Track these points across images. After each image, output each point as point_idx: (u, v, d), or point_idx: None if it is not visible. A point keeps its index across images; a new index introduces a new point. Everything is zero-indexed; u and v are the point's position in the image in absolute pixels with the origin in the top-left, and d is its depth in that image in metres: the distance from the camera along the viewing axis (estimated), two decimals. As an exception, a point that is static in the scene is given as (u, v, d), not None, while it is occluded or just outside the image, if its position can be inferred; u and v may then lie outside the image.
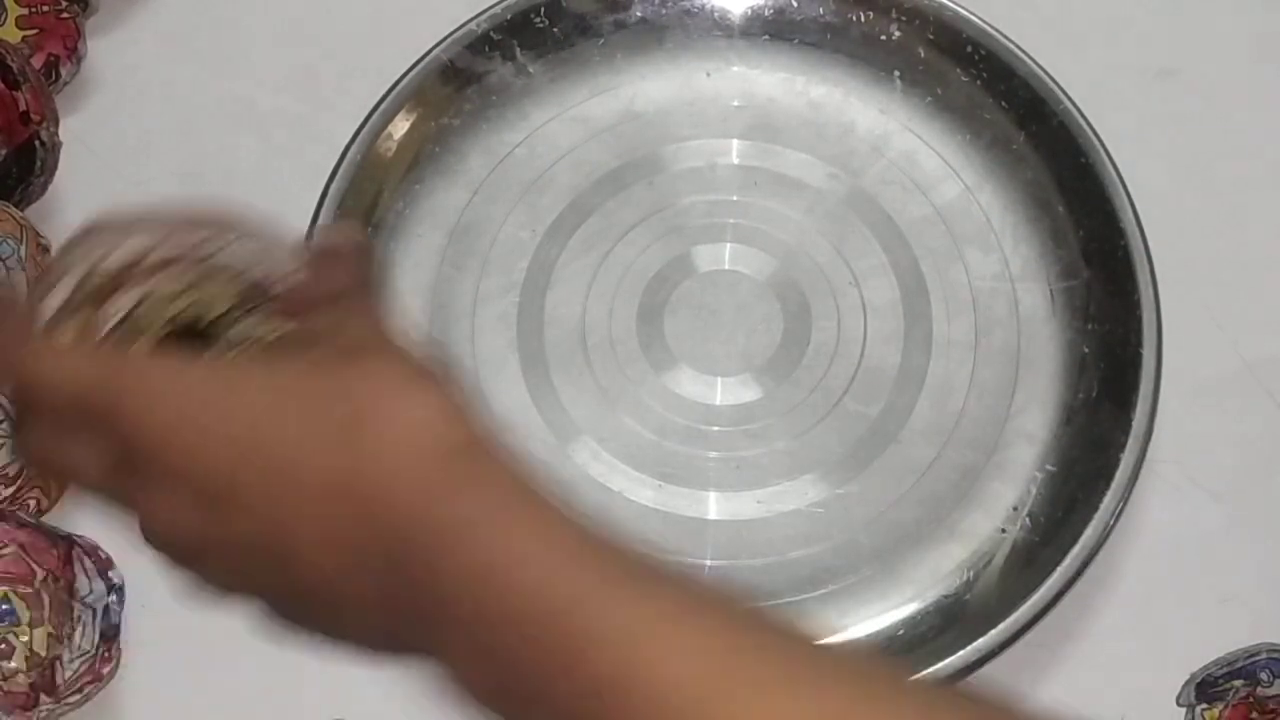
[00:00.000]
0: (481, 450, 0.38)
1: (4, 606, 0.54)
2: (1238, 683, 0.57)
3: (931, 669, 0.54)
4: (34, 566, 0.55)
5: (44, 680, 0.54)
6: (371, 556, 0.36)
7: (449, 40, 0.65)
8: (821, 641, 0.36)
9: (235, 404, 0.38)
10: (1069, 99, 0.63)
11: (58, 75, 0.66)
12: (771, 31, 0.66)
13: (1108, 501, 0.56)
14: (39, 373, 0.40)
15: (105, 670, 0.55)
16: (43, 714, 0.54)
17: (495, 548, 0.35)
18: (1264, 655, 0.57)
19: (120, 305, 0.43)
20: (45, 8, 0.66)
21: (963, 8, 0.65)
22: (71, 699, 0.55)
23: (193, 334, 0.42)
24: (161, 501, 0.39)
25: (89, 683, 0.55)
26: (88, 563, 0.56)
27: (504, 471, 0.37)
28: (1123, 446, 0.57)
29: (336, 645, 0.41)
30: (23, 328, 0.43)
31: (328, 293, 0.43)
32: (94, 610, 0.55)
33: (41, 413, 0.41)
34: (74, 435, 0.40)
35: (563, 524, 0.36)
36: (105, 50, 0.68)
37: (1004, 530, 0.59)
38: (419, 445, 0.37)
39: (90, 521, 0.59)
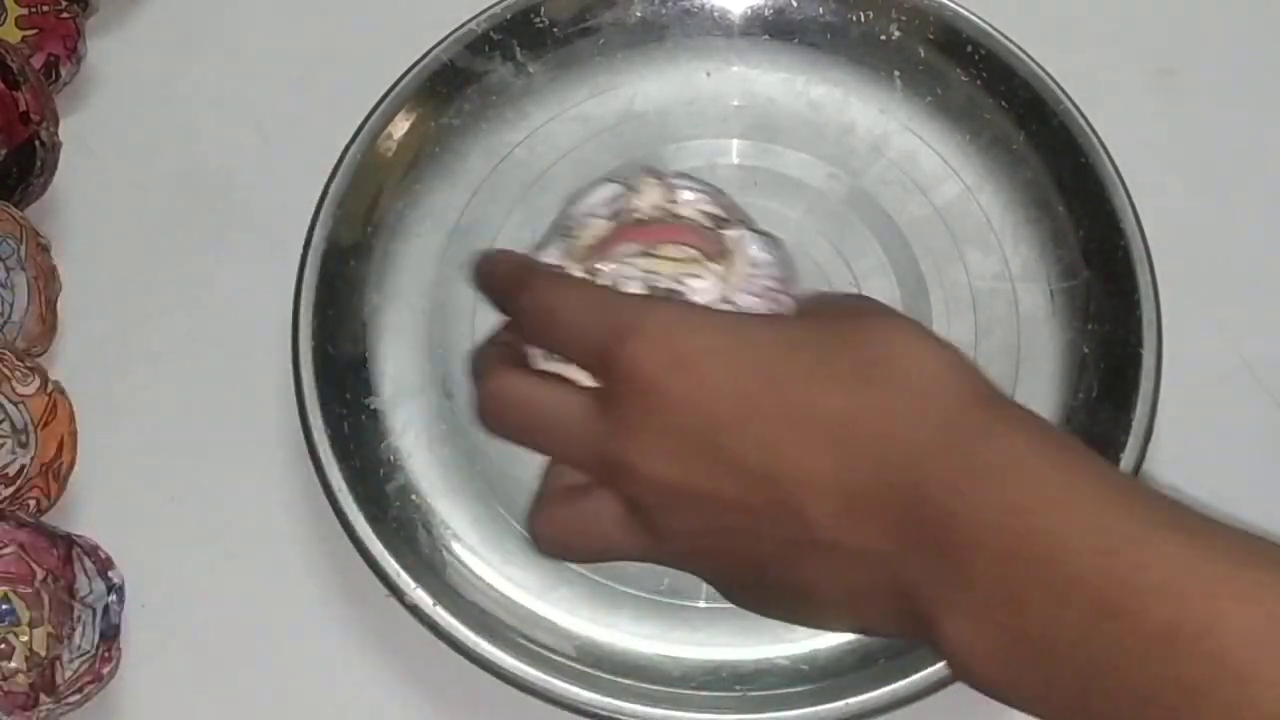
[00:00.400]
0: (1002, 399, 0.37)
1: (4, 606, 0.54)
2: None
3: (931, 669, 0.54)
4: (34, 566, 0.55)
5: (44, 680, 0.54)
6: (882, 499, 0.35)
7: (449, 40, 0.65)
8: None
9: (744, 350, 0.37)
10: (1069, 99, 0.63)
11: (58, 75, 0.66)
12: (771, 31, 0.66)
13: (1108, 501, 0.56)
14: (557, 296, 0.39)
15: (105, 670, 0.55)
16: (43, 714, 0.54)
17: (1026, 488, 0.33)
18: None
19: (622, 253, 0.42)
20: (45, 8, 0.66)
21: (963, 7, 0.65)
22: (71, 699, 0.55)
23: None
24: (641, 447, 0.37)
25: (89, 683, 0.55)
26: (88, 562, 0.56)
27: (1029, 418, 0.36)
28: (1123, 446, 0.57)
29: (799, 615, 0.39)
30: (530, 262, 0.42)
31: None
32: (94, 610, 0.56)
33: (537, 340, 0.40)
34: (554, 376, 0.39)
35: (1099, 469, 0.35)
36: (105, 50, 0.68)
37: (1004, 530, 0.58)
38: (942, 388, 0.36)
39: (90, 521, 0.59)
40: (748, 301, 0.41)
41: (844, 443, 0.35)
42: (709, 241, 0.43)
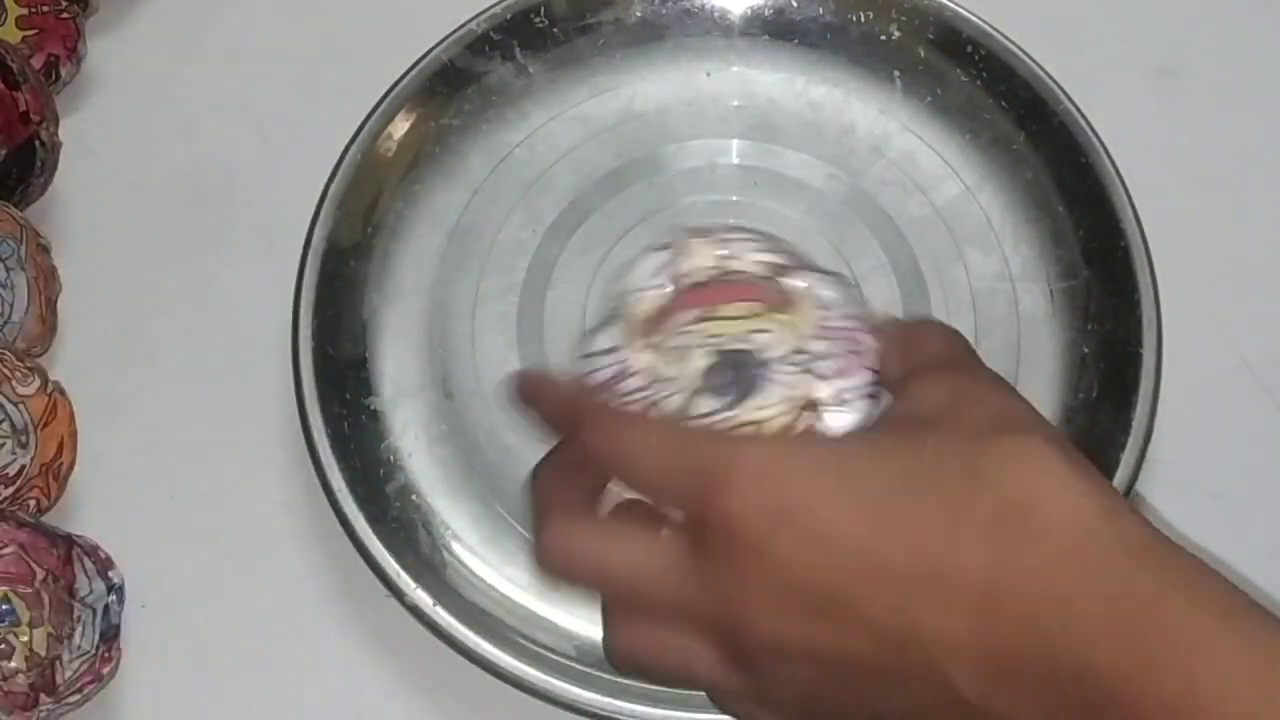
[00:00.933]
0: (1164, 547, 0.32)
1: (4, 606, 0.54)
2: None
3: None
4: (34, 566, 0.55)
5: (44, 680, 0.54)
6: (1038, 668, 0.31)
7: (448, 40, 0.65)
8: None
9: (856, 493, 0.33)
10: (1069, 99, 0.63)
11: (58, 75, 0.66)
12: (771, 31, 0.66)
13: (1108, 502, 0.56)
14: (633, 441, 0.36)
15: (105, 670, 0.55)
16: (42, 714, 0.54)
17: (1204, 673, 0.30)
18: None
19: (682, 321, 0.40)
20: (45, 8, 0.66)
21: (963, 8, 0.65)
22: (71, 699, 0.55)
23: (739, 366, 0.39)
24: (752, 608, 0.34)
25: (89, 683, 0.55)
26: (88, 563, 0.56)
27: (1197, 572, 0.31)
28: (1123, 446, 0.57)
29: None
30: (585, 396, 0.38)
31: (931, 364, 0.38)
32: (94, 610, 0.55)
33: (593, 477, 0.36)
34: (623, 515, 0.36)
35: (1272, 642, 0.30)
36: (105, 50, 0.68)
37: (1004, 530, 0.58)
38: (1098, 543, 0.31)
39: (90, 522, 0.59)
40: (821, 347, 0.39)
41: (990, 606, 0.32)
42: (770, 292, 0.41)
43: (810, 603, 0.33)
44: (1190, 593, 0.31)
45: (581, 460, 0.38)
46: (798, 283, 0.41)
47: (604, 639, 0.37)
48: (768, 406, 0.39)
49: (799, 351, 0.39)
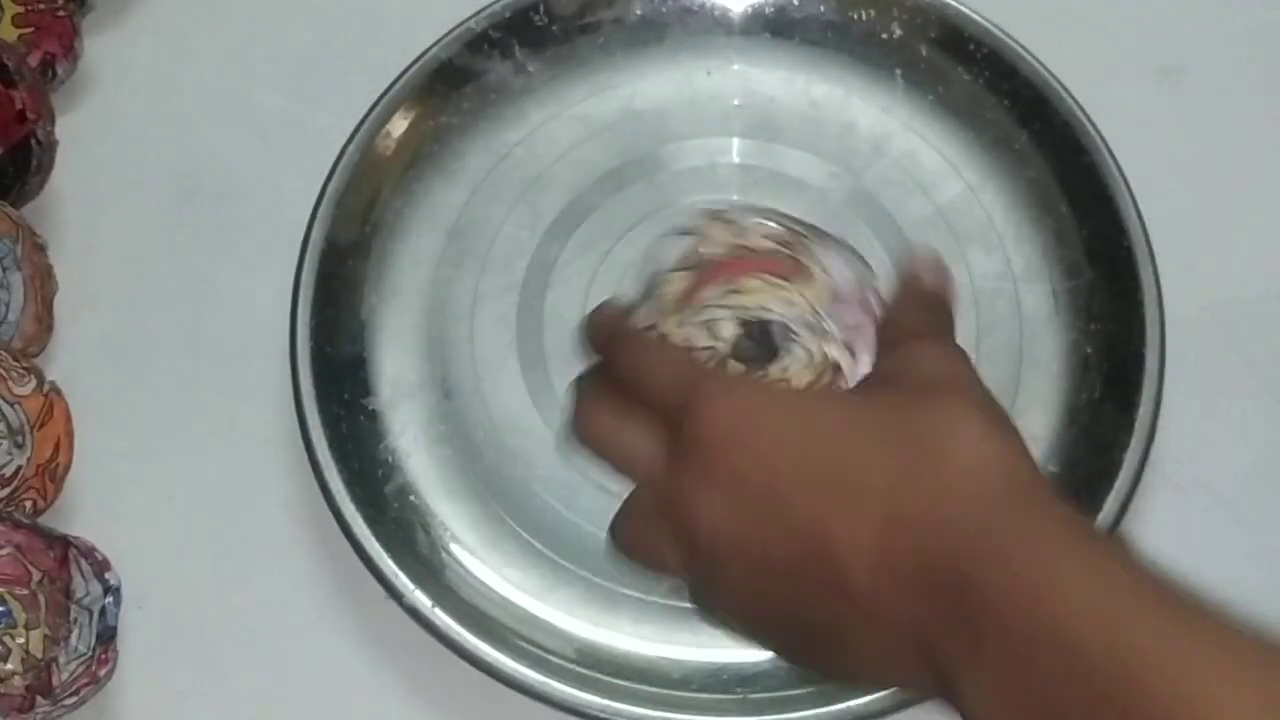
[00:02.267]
0: (1044, 489, 0.40)
1: (0, 609, 0.54)
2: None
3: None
4: (30, 568, 0.55)
5: (40, 682, 0.54)
6: (921, 575, 0.38)
7: (447, 39, 0.64)
8: None
9: (805, 424, 0.41)
10: (1072, 98, 0.63)
11: (54, 74, 0.66)
12: (772, 30, 0.66)
13: (1110, 502, 0.56)
14: (645, 358, 0.45)
15: (102, 672, 0.55)
16: (39, 716, 0.54)
17: (1045, 574, 0.36)
18: None
19: (709, 297, 0.46)
20: (42, 6, 0.66)
21: (965, 6, 0.65)
22: (68, 701, 0.54)
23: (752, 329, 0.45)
24: (700, 499, 0.41)
25: (85, 685, 0.55)
26: (84, 564, 0.56)
27: (1063, 510, 0.38)
28: (1126, 447, 0.57)
29: (834, 669, 0.42)
30: (622, 321, 0.48)
31: (906, 333, 0.45)
32: (90, 612, 0.55)
33: (619, 390, 0.45)
34: (634, 415, 0.44)
35: (1119, 561, 0.37)
36: (102, 49, 0.68)
37: (1006, 531, 0.58)
38: (990, 477, 0.39)
39: (87, 523, 0.59)
40: (838, 309, 0.45)
41: (891, 520, 0.38)
42: (785, 264, 0.46)
43: (746, 502, 0.40)
44: (1046, 514, 0.38)
45: (613, 376, 0.46)
46: (807, 251, 0.47)
47: (610, 528, 0.46)
48: (792, 367, 0.45)
49: (815, 315, 0.45)
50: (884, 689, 0.52)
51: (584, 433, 0.46)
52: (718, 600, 0.43)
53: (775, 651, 0.44)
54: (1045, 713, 0.35)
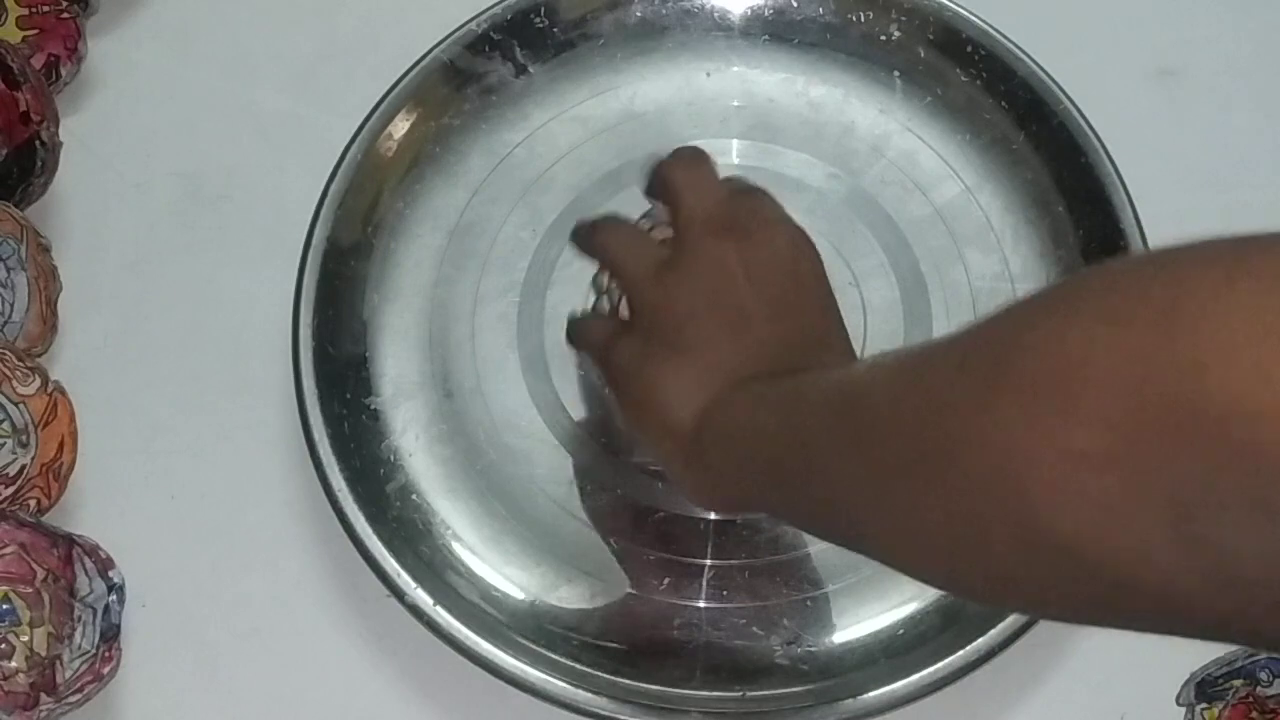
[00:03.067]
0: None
1: (4, 606, 0.55)
2: (1237, 682, 0.57)
3: (931, 669, 0.54)
4: (34, 566, 0.55)
5: (44, 680, 0.54)
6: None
7: (449, 40, 0.65)
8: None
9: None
10: (1069, 99, 0.63)
11: (58, 75, 0.66)
12: (771, 31, 0.66)
13: (1107, 501, 0.56)
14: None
15: (105, 670, 0.55)
16: (43, 714, 0.54)
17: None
18: (1264, 655, 0.57)
19: None
20: (46, 8, 0.66)
21: (963, 8, 0.65)
22: (71, 699, 0.55)
23: None
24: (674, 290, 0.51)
25: (89, 682, 0.55)
26: (88, 562, 0.56)
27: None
28: (1122, 446, 0.57)
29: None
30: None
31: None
32: (94, 610, 0.55)
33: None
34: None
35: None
36: (106, 50, 0.68)
37: (1004, 530, 0.58)
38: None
39: (91, 521, 0.59)
40: None
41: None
42: None
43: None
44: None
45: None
46: None
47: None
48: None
49: None
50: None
51: (598, 234, 0.55)
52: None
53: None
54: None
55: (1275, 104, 0.68)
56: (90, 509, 0.60)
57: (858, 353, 0.53)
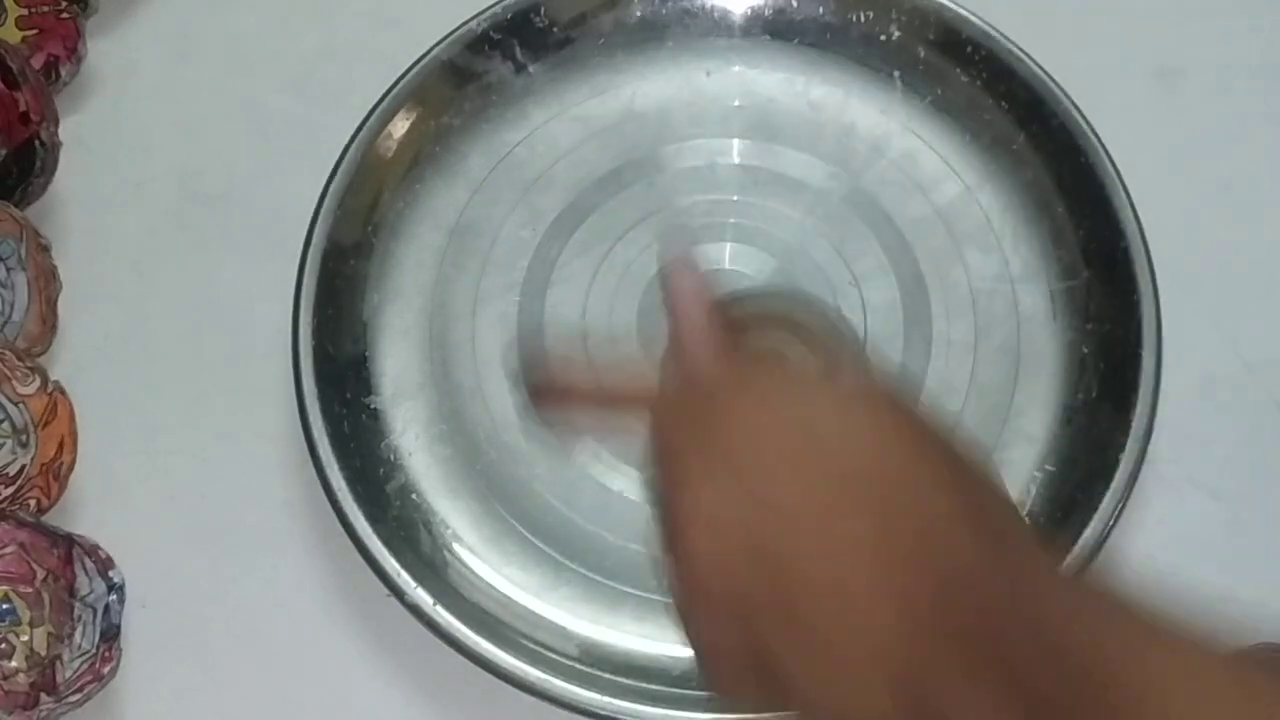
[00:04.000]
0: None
1: (5, 606, 0.55)
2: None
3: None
4: (34, 566, 0.55)
5: (44, 680, 0.54)
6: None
7: (449, 40, 0.65)
8: None
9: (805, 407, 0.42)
10: (1069, 99, 0.63)
11: (57, 75, 0.66)
12: (772, 31, 0.66)
13: (1107, 502, 0.56)
14: (705, 354, 0.46)
15: (105, 670, 0.55)
16: (43, 713, 0.54)
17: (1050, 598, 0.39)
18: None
19: None
20: (45, 8, 0.66)
21: (963, 8, 0.65)
22: (72, 698, 0.55)
23: None
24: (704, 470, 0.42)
25: (89, 682, 0.55)
26: (88, 562, 0.56)
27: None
28: (1122, 447, 0.57)
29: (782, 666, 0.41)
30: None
31: None
32: (94, 610, 0.56)
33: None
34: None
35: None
36: (105, 50, 0.69)
37: (1004, 530, 0.58)
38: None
39: (91, 521, 0.59)
40: None
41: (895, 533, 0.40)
42: None
43: (749, 469, 0.42)
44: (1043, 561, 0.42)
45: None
46: None
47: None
48: None
49: None
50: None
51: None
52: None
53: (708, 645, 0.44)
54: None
55: (1276, 104, 0.68)
56: (90, 509, 0.60)
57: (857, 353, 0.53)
